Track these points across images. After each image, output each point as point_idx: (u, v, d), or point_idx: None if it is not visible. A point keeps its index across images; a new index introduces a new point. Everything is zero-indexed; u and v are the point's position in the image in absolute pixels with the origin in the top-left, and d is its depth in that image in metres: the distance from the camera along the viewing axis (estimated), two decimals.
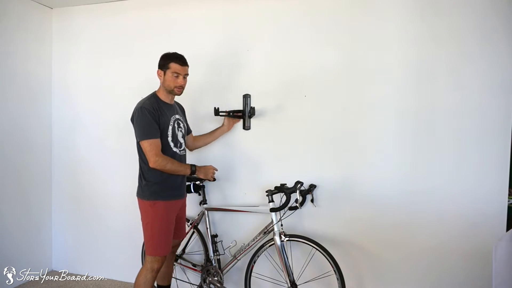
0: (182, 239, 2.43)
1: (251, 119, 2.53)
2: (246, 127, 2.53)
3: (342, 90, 2.36)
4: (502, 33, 2.07)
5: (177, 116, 2.19)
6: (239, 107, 2.52)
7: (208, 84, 2.64)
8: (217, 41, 2.63)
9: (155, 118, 2.00)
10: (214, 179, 2.37)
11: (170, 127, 2.10)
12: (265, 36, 2.51)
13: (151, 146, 1.98)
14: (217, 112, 2.43)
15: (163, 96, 2.13)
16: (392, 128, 2.28)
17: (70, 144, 3.11)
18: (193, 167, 2.15)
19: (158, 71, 2.12)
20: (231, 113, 2.47)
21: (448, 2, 2.16)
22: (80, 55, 3.04)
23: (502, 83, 2.08)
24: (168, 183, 2.11)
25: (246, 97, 2.50)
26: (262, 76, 2.52)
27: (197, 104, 2.66)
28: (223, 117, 2.55)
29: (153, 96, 2.11)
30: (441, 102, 2.18)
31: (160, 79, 2.12)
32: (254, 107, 2.48)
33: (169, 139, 2.09)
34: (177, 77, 2.08)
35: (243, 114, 2.50)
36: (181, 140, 2.20)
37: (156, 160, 1.98)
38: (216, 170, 2.35)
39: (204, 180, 2.57)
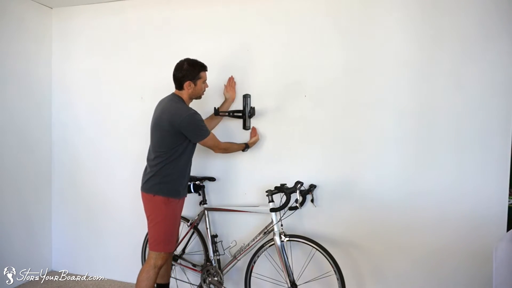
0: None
1: (251, 119, 2.53)
2: (246, 127, 2.53)
3: (342, 90, 2.36)
4: (503, 33, 2.07)
5: None
6: (239, 107, 2.52)
7: (208, 84, 2.63)
8: (217, 41, 2.63)
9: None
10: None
11: None
12: (265, 36, 2.51)
13: (214, 139, 2.22)
14: (217, 112, 2.43)
15: (188, 102, 2.21)
16: (393, 128, 2.28)
17: (70, 144, 3.11)
18: (247, 146, 2.44)
19: (187, 83, 2.13)
20: (231, 113, 2.47)
21: (449, 2, 2.15)
22: (80, 55, 3.04)
23: (503, 83, 2.07)
24: (182, 181, 2.21)
25: (246, 97, 2.49)
26: (262, 76, 2.52)
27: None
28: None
29: (183, 101, 2.18)
30: (442, 102, 2.18)
31: (188, 90, 2.16)
32: (254, 107, 2.48)
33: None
34: (204, 83, 2.22)
35: (243, 114, 2.50)
36: None
37: (220, 146, 2.27)
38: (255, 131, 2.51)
39: (204, 180, 2.59)
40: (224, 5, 2.60)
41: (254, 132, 2.52)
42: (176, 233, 2.25)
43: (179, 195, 2.20)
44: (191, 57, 2.21)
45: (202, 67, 2.19)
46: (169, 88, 2.25)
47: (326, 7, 2.37)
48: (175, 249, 2.42)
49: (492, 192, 2.11)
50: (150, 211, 2.16)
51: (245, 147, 2.43)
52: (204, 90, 2.26)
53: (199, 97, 2.27)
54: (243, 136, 2.56)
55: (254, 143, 2.49)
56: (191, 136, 2.13)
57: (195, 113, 2.11)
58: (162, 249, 2.13)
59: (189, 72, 2.13)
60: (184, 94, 2.18)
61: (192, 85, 2.15)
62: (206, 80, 2.24)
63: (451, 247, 2.19)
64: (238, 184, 2.61)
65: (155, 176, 2.14)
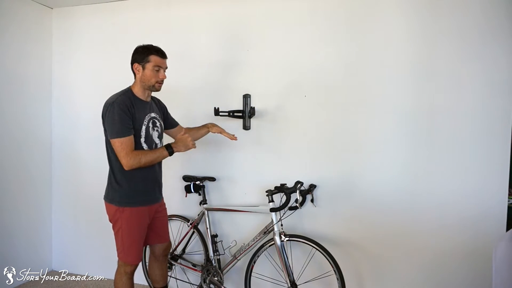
0: (167, 242, 2.27)
1: (251, 119, 2.53)
2: (246, 127, 2.53)
3: (342, 90, 2.36)
4: (502, 33, 2.07)
5: (152, 115, 2.03)
6: (239, 107, 2.52)
7: (208, 84, 2.64)
8: (217, 41, 2.63)
9: (127, 115, 1.86)
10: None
11: (144, 127, 1.95)
12: (265, 36, 2.51)
13: (122, 145, 1.83)
14: (217, 112, 2.43)
15: (139, 93, 1.98)
16: (392, 128, 2.28)
17: (70, 144, 3.11)
18: (169, 148, 1.95)
19: (135, 65, 1.95)
20: (231, 113, 2.47)
21: (448, 2, 2.16)
22: (80, 55, 3.04)
23: (502, 83, 2.08)
24: (138, 189, 1.98)
25: (246, 97, 2.50)
26: (262, 76, 2.52)
27: (197, 104, 2.66)
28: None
29: (128, 92, 1.97)
30: (441, 102, 2.18)
31: (137, 74, 1.96)
32: (254, 107, 2.48)
33: (142, 139, 1.95)
34: (158, 71, 1.95)
35: (243, 114, 2.50)
36: (157, 141, 2.05)
37: (128, 161, 1.84)
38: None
39: (204, 180, 2.58)
40: (224, 6, 2.60)
41: (185, 132, 2.10)
42: (137, 244, 2.02)
43: (136, 203, 1.97)
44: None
45: (156, 52, 1.94)
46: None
47: (327, 7, 2.37)
48: (139, 262, 2.11)
49: (492, 192, 2.11)
50: (108, 218, 2.03)
51: (169, 152, 1.94)
52: (159, 80, 1.96)
53: (153, 88, 1.97)
54: (243, 136, 2.56)
55: (184, 143, 1.97)
56: (105, 129, 1.88)
57: (114, 103, 1.85)
58: (122, 259, 2.02)
59: (138, 54, 1.94)
60: (136, 82, 1.97)
61: (140, 68, 1.93)
62: (161, 68, 1.96)
63: (451, 247, 2.19)
64: (238, 184, 2.61)
65: (108, 183, 2.02)
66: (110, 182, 2.01)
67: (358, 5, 2.31)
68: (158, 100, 2.24)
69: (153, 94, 2.21)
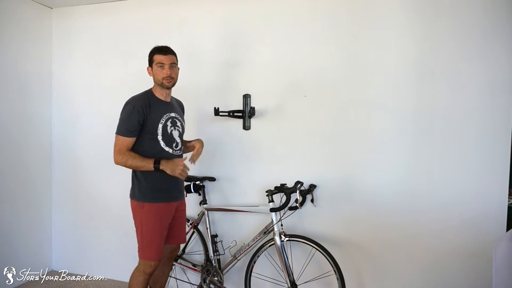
0: (177, 245, 2.26)
1: (251, 119, 2.53)
2: (246, 127, 2.53)
3: (342, 90, 2.36)
4: (503, 31, 2.07)
5: (172, 114, 2.10)
6: (239, 107, 2.52)
7: (208, 84, 2.64)
8: (217, 41, 2.63)
9: (138, 116, 1.96)
10: (184, 178, 2.06)
11: (161, 125, 2.03)
12: (265, 36, 2.51)
13: (119, 142, 1.98)
14: (217, 112, 2.43)
15: (158, 93, 2.08)
16: (392, 128, 2.28)
17: (70, 144, 3.11)
18: (157, 163, 1.96)
19: (148, 69, 2.10)
20: (231, 113, 2.47)
21: (448, 2, 2.16)
22: (80, 55, 3.04)
23: (502, 83, 2.08)
24: (157, 185, 2.03)
25: (246, 97, 2.50)
26: (262, 76, 2.52)
27: (197, 104, 2.66)
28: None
29: (148, 92, 2.09)
30: (441, 102, 2.18)
31: (150, 76, 2.10)
32: (254, 107, 2.48)
33: (159, 137, 2.03)
34: (162, 67, 2.01)
35: (243, 114, 2.50)
36: (178, 140, 2.12)
37: (117, 157, 1.98)
38: (188, 168, 2.03)
39: (204, 180, 2.58)
40: (224, 5, 2.60)
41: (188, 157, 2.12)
42: (158, 241, 2.03)
43: (155, 199, 2.02)
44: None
45: (157, 50, 2.04)
46: None
47: (327, 7, 2.37)
48: (159, 259, 2.06)
49: (492, 193, 2.11)
50: (132, 214, 2.09)
51: (155, 166, 1.95)
52: (164, 76, 2.00)
53: (162, 85, 2.03)
54: (243, 136, 2.56)
55: (172, 167, 1.96)
56: None
57: (129, 103, 2.00)
58: (142, 256, 2.03)
59: (148, 58, 2.09)
60: (154, 83, 2.10)
61: (150, 70, 2.07)
62: (163, 64, 2.01)
63: (451, 247, 2.19)
64: (238, 184, 2.61)
65: (131, 178, 2.10)
66: (132, 178, 2.09)
67: (359, 5, 2.31)
68: (179, 102, 2.31)
69: (176, 96, 2.26)
